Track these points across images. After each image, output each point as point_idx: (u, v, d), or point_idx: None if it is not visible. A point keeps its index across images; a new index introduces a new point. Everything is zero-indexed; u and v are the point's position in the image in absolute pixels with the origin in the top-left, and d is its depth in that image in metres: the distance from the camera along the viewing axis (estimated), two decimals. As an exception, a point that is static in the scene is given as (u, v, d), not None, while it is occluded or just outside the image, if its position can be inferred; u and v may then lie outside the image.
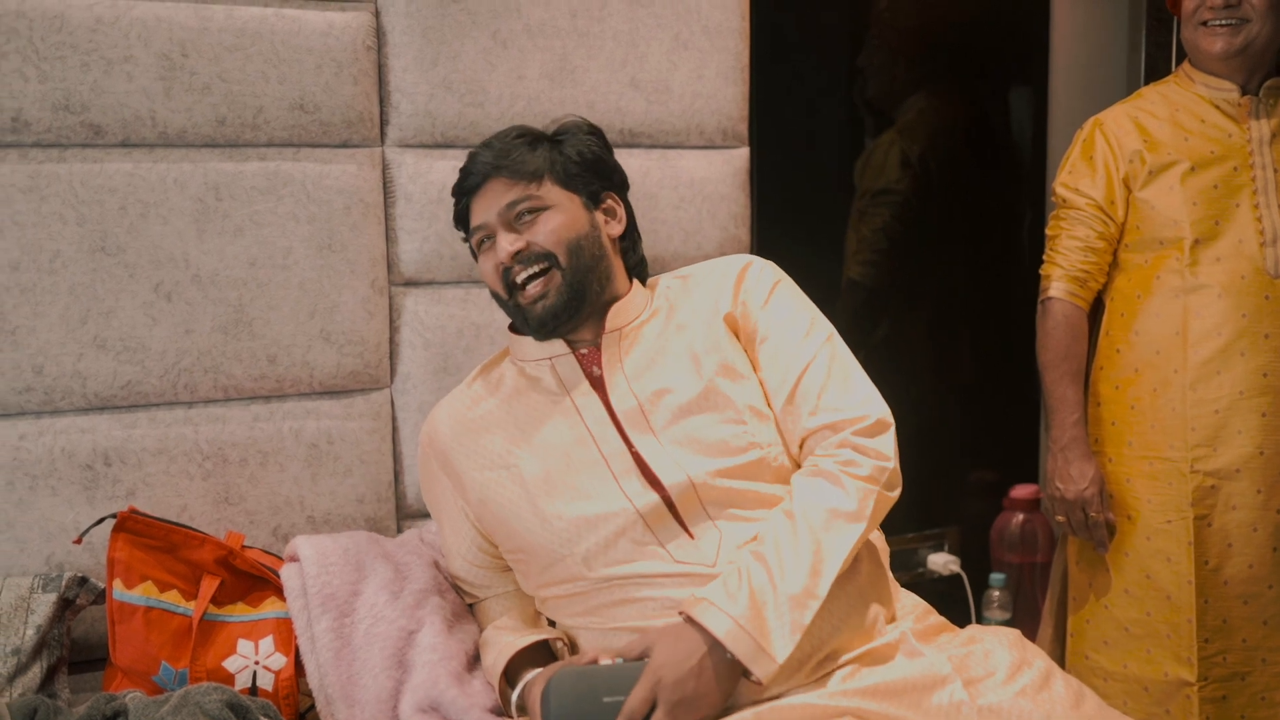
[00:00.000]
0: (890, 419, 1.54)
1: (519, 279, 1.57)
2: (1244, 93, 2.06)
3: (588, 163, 1.63)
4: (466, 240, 1.67)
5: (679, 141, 2.13)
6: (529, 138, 1.62)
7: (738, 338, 1.62)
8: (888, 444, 1.52)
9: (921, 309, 2.76)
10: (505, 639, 1.59)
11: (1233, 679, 2.04)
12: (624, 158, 1.99)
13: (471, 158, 1.63)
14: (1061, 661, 2.22)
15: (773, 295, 1.62)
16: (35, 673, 1.56)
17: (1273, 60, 2.08)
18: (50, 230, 1.74)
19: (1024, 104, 2.84)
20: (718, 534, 1.50)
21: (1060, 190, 2.14)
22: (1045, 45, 2.83)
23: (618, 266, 1.65)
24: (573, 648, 1.59)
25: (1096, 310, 2.16)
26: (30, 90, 1.72)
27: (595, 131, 1.68)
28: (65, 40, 1.73)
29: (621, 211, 1.67)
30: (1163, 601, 2.04)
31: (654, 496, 1.51)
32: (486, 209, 1.59)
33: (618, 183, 1.69)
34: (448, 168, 1.96)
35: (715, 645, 1.37)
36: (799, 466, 1.57)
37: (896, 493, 1.53)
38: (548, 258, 1.57)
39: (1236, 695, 2.04)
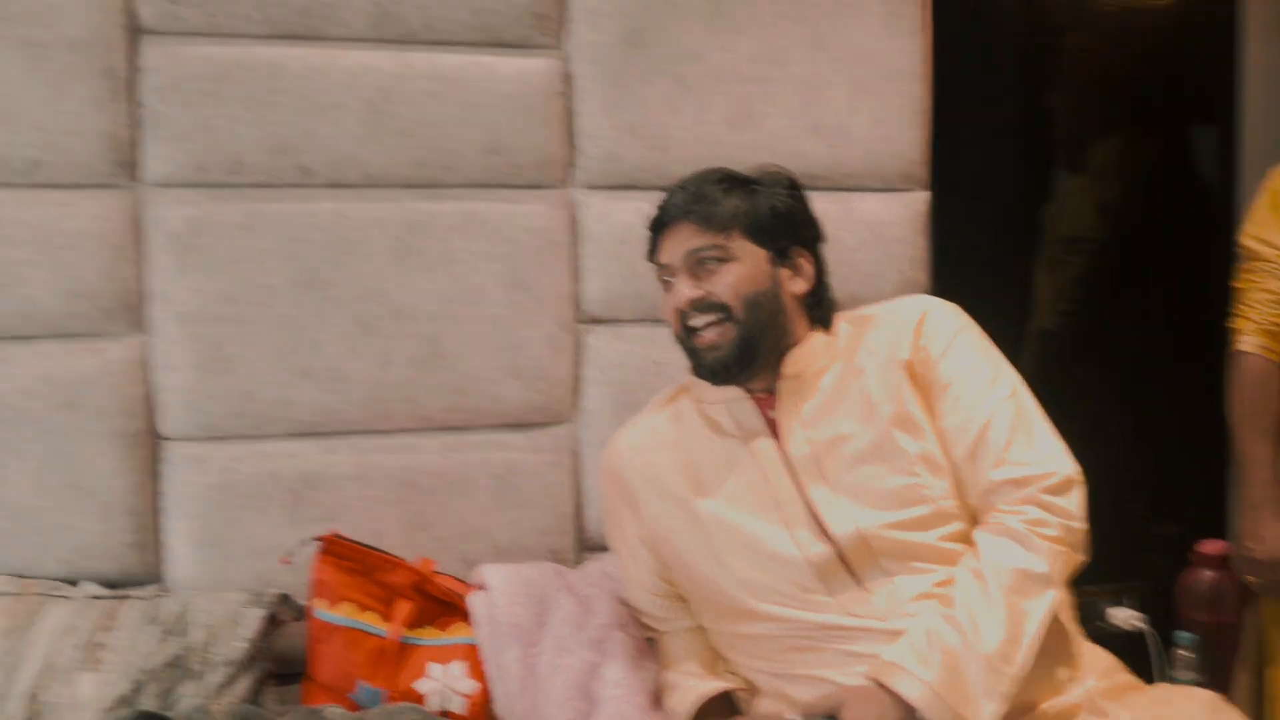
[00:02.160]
0: (1079, 477, 1.49)
1: (694, 324, 1.58)
2: None
3: (780, 216, 1.61)
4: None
5: (858, 185, 2.12)
6: (726, 183, 1.61)
7: (915, 386, 1.58)
8: (1076, 503, 1.47)
9: (1110, 358, 2.69)
10: (690, 683, 1.59)
11: None
12: (803, 200, 2.02)
13: (668, 195, 1.63)
14: None
15: (954, 343, 1.58)
16: (245, 684, 1.64)
17: None
18: (263, 265, 1.84)
19: (1214, 144, 2.75)
20: (891, 587, 1.48)
21: (1248, 242, 2.06)
22: (1232, 83, 2.73)
23: (796, 319, 1.62)
24: (753, 697, 1.59)
25: None
26: (249, 134, 1.83)
27: (794, 186, 1.65)
28: (280, 87, 1.84)
29: (810, 269, 1.63)
30: None
31: (824, 547, 1.50)
32: (673, 250, 1.60)
33: (809, 238, 1.65)
34: (631, 209, 2.00)
35: (909, 712, 1.35)
36: (976, 519, 1.53)
37: (1083, 557, 1.48)
38: (723, 309, 1.56)
39: None
